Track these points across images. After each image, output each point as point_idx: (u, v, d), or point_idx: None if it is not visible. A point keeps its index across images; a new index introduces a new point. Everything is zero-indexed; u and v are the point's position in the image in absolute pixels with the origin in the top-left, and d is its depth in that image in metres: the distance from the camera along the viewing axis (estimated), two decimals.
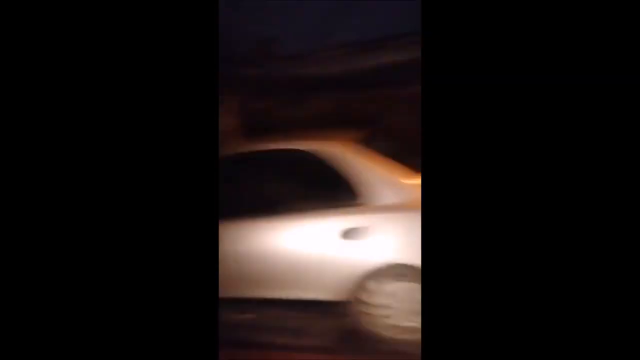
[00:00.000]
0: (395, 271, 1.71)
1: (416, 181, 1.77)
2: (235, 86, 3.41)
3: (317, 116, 3.42)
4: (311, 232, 1.80)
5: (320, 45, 3.44)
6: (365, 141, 1.94)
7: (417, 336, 1.67)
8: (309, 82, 3.48)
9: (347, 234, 1.74)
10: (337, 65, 3.27)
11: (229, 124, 3.41)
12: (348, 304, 1.79)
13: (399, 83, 3.10)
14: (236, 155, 2.07)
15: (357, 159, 1.83)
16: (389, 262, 1.70)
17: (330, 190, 1.82)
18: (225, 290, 1.84)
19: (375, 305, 1.75)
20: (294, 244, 1.83)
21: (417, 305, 1.70)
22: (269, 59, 3.65)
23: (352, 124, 2.28)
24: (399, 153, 1.93)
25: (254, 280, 1.91)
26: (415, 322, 1.70)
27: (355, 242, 1.73)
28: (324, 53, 3.42)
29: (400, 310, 1.73)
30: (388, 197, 1.74)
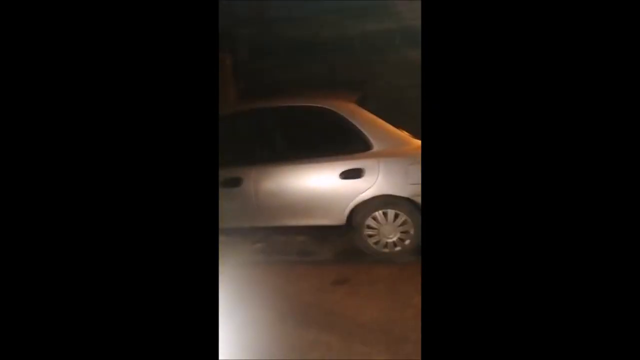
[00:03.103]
0: (381, 201, 2.20)
1: (402, 133, 2.21)
2: (230, 46, 3.63)
3: (312, 78, 3.65)
4: (316, 174, 2.27)
5: (314, 11, 3.65)
6: (358, 101, 2.34)
7: (396, 248, 2.26)
8: (303, 45, 3.70)
9: (345, 174, 2.21)
10: (329, 30, 3.51)
11: (226, 82, 3.59)
12: (344, 227, 2.30)
13: (383, 50, 3.41)
14: (237, 112, 2.48)
15: (352, 115, 2.25)
16: (377, 194, 2.19)
17: (329, 141, 2.27)
18: (245, 222, 2.35)
19: (366, 226, 2.27)
20: (302, 184, 2.30)
21: (396, 226, 2.24)
22: (264, 21, 3.81)
23: (343, 86, 2.67)
24: (385, 111, 2.33)
25: (269, 213, 2.40)
26: (393, 238, 2.25)
27: (351, 181, 2.20)
28: (317, 18, 3.63)
29: (383, 229, 2.26)
30: (378, 145, 2.19)
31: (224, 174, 2.15)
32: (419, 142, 2.23)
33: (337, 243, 2.45)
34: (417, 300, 1.86)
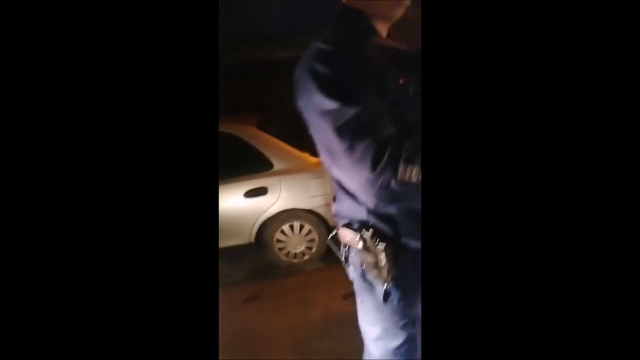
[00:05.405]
0: (286, 215, 2.36)
1: (300, 153, 2.41)
2: None
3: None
4: (221, 196, 2.34)
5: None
6: (259, 125, 2.50)
7: (305, 257, 2.42)
8: None
9: (249, 193, 2.32)
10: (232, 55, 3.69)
11: None
12: (255, 244, 2.39)
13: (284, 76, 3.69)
14: None
15: (252, 137, 2.39)
16: (282, 209, 2.34)
17: (231, 163, 2.37)
18: None
19: (276, 240, 2.40)
20: None
21: (303, 237, 2.41)
22: None
23: (246, 110, 2.82)
24: (286, 135, 2.52)
25: None
26: (301, 248, 2.41)
27: (256, 199, 2.32)
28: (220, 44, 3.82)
29: (291, 241, 2.41)
30: (279, 164, 2.36)
31: None
32: (316, 159, 2.46)
33: (250, 261, 2.52)
34: (321, 301, 2.02)
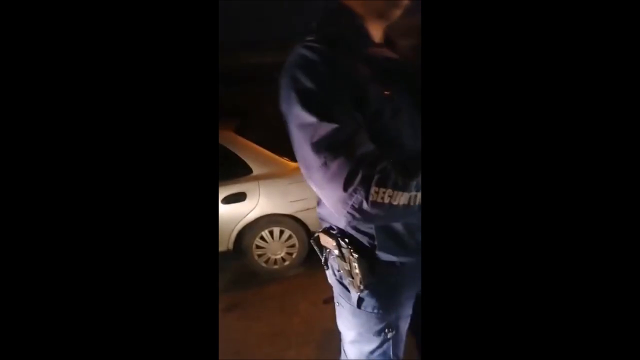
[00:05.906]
0: (265, 221, 2.32)
1: (279, 158, 2.39)
2: None
3: None
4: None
5: None
6: (236, 130, 2.46)
7: (285, 263, 2.39)
8: None
9: (227, 199, 2.27)
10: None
11: None
12: (232, 252, 2.33)
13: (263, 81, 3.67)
14: None
15: (230, 142, 2.35)
16: (261, 215, 2.30)
17: None
18: None
19: (255, 247, 2.35)
20: None
21: (283, 243, 2.38)
22: None
23: (223, 115, 2.77)
24: (264, 140, 2.49)
25: None
26: (281, 254, 2.38)
27: (234, 205, 2.27)
28: None
29: (271, 247, 2.37)
30: (257, 169, 2.32)
31: None
32: (296, 164, 2.44)
33: (228, 269, 2.45)
34: (302, 307, 1.99)
